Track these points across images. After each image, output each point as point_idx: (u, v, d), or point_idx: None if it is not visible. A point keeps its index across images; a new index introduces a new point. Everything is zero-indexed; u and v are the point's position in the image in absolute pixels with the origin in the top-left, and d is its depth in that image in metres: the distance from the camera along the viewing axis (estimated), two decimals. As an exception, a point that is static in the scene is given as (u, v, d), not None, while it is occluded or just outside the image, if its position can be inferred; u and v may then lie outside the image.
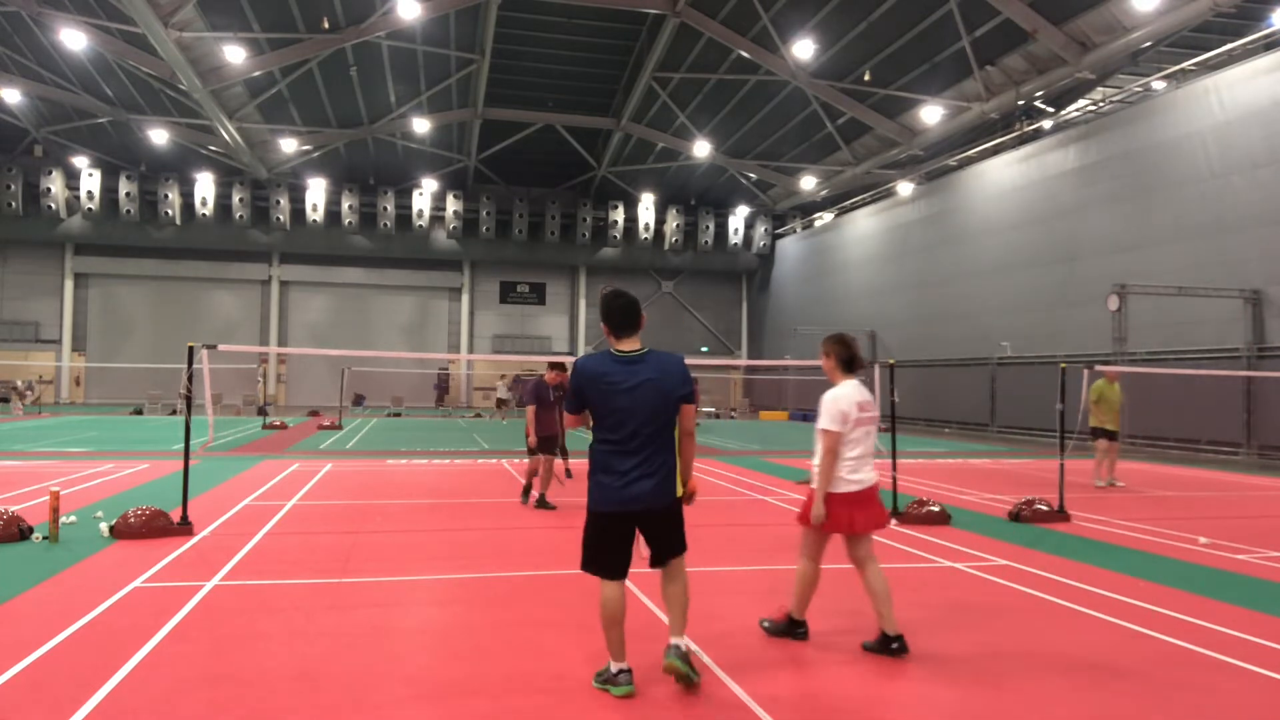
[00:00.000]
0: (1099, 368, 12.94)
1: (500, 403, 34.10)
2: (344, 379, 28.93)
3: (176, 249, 38.54)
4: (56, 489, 8.26)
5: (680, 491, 4.47)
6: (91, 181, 35.50)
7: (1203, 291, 18.16)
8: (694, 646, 4.94)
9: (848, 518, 4.99)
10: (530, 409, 10.34)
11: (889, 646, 4.92)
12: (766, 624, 5.34)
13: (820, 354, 5.25)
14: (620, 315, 4.36)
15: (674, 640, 4.37)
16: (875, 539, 5.42)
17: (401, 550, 7.85)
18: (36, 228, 36.56)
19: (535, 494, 10.48)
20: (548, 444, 10.42)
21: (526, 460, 10.95)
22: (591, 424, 4.43)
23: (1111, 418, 13.07)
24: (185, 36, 23.12)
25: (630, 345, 4.37)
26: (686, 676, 4.28)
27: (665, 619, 5.55)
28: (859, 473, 5.04)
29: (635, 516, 4.33)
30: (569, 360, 10.77)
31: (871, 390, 10.58)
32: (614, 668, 4.31)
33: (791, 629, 5.24)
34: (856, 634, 5.34)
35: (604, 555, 4.37)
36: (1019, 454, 19.59)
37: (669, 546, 4.44)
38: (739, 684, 4.45)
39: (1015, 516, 9.88)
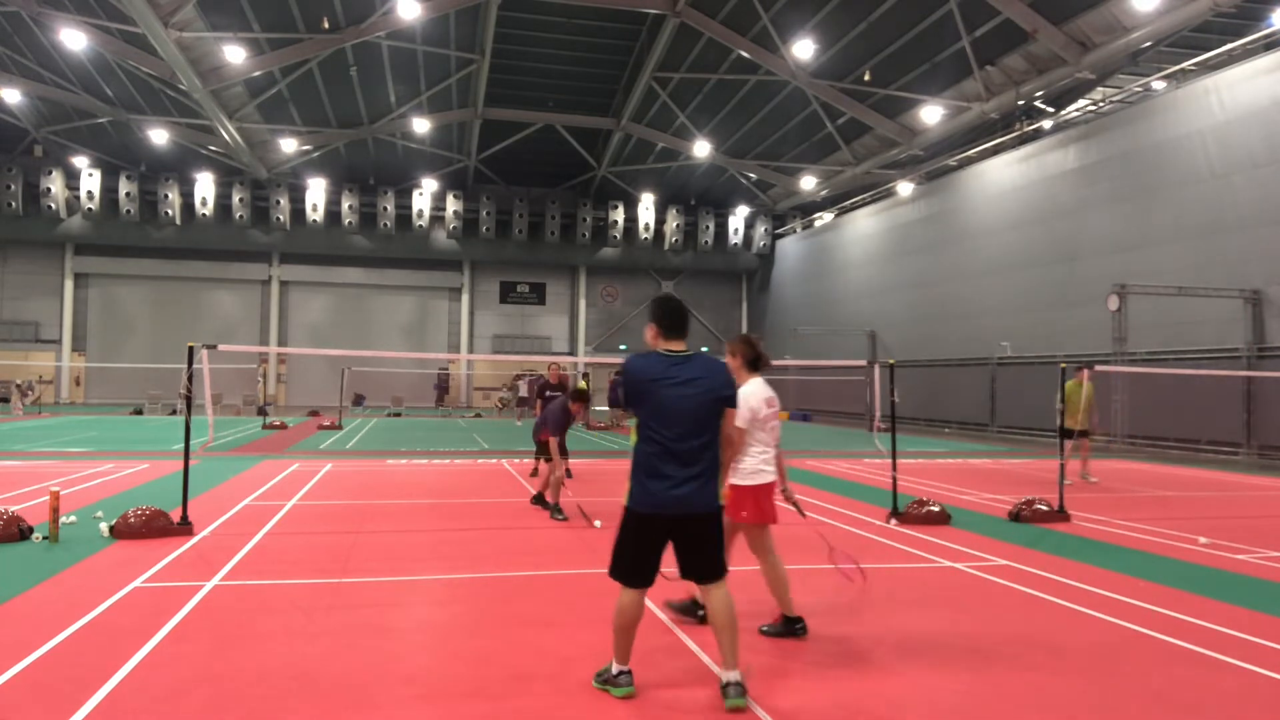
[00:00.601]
0: (1097, 368, 12.93)
1: (521, 401, 33.78)
2: (344, 379, 28.93)
3: (176, 249, 38.51)
4: (56, 489, 8.26)
5: (722, 500, 4.40)
6: (91, 181, 35.49)
7: (1203, 291, 18.16)
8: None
9: (755, 507, 5.25)
10: (554, 440, 10.18)
11: (793, 627, 5.27)
12: (765, 628, 5.37)
13: (726, 353, 5.43)
14: (674, 317, 4.42)
15: (731, 677, 4.16)
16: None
17: (402, 550, 7.85)
18: (36, 228, 36.54)
19: (546, 497, 10.52)
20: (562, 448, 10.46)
21: (541, 464, 10.80)
22: (635, 424, 4.38)
23: (1081, 417, 12.91)
24: (185, 36, 23.11)
25: (678, 346, 4.40)
26: (747, 707, 4.10)
27: (663, 616, 5.56)
28: (772, 465, 5.33)
29: (675, 522, 4.24)
30: (563, 358, 10.85)
31: (872, 390, 10.61)
32: (615, 668, 4.29)
33: (789, 628, 5.29)
34: (856, 632, 5.35)
35: (633, 559, 4.26)
36: (1019, 454, 19.59)
37: (710, 563, 4.32)
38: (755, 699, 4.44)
39: (1015, 516, 9.88)
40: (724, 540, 4.39)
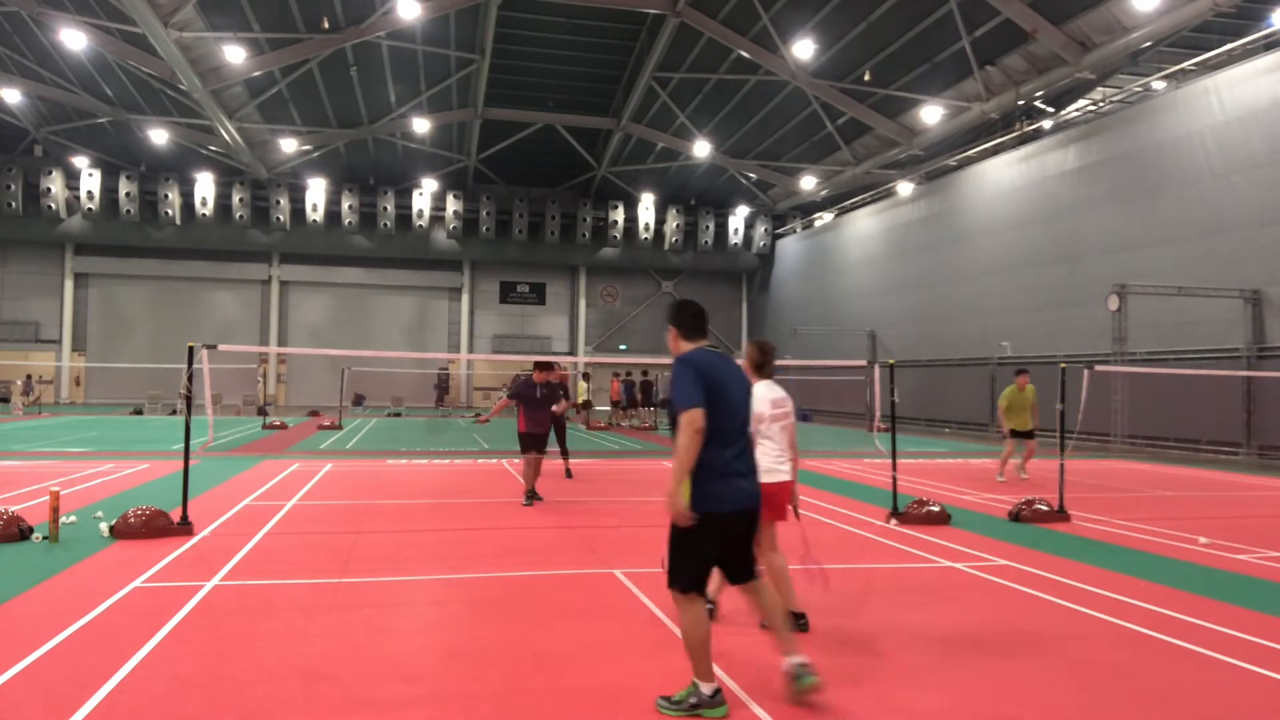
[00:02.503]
0: (1098, 368, 12.93)
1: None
2: (344, 379, 28.91)
3: (176, 249, 38.51)
4: (56, 489, 8.26)
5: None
6: (91, 181, 35.47)
7: (1203, 291, 18.16)
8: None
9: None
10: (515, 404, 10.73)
11: (797, 622, 5.34)
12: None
13: (745, 356, 5.73)
14: (694, 319, 4.39)
15: (794, 660, 4.18)
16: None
17: (401, 550, 7.85)
18: (36, 228, 36.54)
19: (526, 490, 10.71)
20: (537, 442, 10.73)
21: (520, 461, 11.11)
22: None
23: (1022, 420, 13.48)
24: (185, 36, 23.11)
25: (706, 342, 4.39)
26: (817, 686, 4.14)
27: (657, 611, 5.56)
28: (782, 464, 5.51)
29: (735, 519, 4.12)
30: (563, 358, 11.10)
31: (872, 390, 10.63)
32: (705, 689, 4.02)
33: (794, 621, 5.38)
34: (856, 632, 5.35)
35: (701, 564, 4.08)
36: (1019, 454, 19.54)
37: (751, 558, 4.28)
38: (747, 691, 4.44)
39: (1015, 516, 9.89)
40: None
